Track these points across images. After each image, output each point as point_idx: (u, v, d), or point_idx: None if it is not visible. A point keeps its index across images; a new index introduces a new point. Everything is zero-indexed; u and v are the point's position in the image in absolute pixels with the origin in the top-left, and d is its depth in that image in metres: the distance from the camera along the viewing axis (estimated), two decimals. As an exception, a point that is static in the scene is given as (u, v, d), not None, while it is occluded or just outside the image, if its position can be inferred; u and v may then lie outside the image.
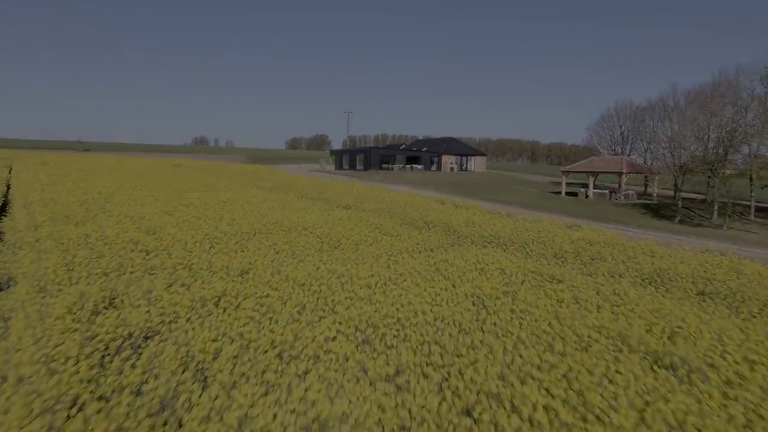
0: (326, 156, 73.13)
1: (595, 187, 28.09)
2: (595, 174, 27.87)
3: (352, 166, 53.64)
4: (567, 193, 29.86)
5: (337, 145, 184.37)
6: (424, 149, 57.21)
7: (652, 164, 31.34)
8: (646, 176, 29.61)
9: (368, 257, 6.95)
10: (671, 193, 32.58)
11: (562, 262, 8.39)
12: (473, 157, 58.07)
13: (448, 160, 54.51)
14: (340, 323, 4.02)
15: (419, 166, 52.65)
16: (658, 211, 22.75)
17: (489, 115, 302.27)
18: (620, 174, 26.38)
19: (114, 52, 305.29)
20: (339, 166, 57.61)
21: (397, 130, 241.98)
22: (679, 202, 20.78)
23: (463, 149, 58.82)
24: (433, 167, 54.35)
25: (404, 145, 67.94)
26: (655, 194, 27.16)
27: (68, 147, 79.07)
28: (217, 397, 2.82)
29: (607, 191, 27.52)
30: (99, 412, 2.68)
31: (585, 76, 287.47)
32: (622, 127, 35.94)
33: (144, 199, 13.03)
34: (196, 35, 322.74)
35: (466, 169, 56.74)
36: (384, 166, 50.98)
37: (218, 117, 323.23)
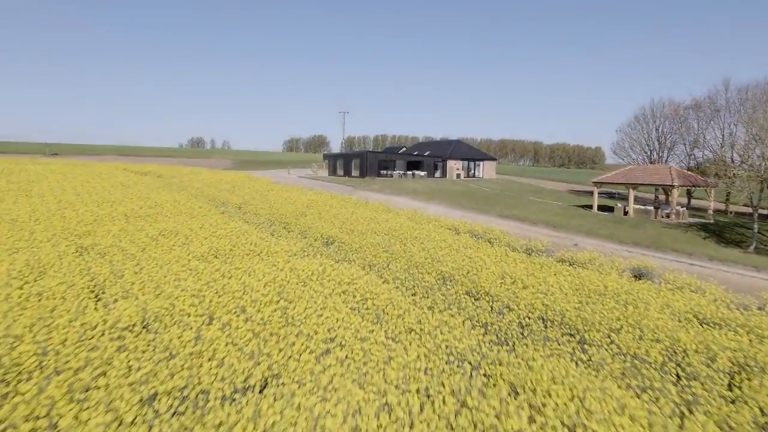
0: (319, 160, 69.73)
1: (634, 200, 24.58)
2: (635, 186, 24.33)
3: (347, 172, 50.11)
4: (599, 207, 26.36)
5: (336, 145, 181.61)
6: (426, 153, 53.69)
7: (697, 170, 27.89)
8: (688, 188, 26.13)
9: (338, 420, 3.44)
10: (721, 206, 29.12)
11: (699, 383, 4.85)
12: (482, 162, 54.60)
13: (455, 166, 51.02)
14: None
15: (422, 173, 49.12)
16: (722, 234, 19.23)
17: (490, 115, 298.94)
18: (670, 187, 22.81)
19: (111, 51, 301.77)
20: (333, 171, 54.08)
21: (397, 130, 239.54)
22: (756, 225, 17.23)
23: (470, 153, 55.38)
24: (437, 173, 50.86)
25: (404, 149, 64.37)
26: (711, 211, 23.59)
27: (36, 151, 75.60)
28: None
29: (651, 207, 23.98)
30: None
31: (587, 76, 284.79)
32: (659, 129, 32.40)
33: (34, 239, 9.49)
34: (194, 35, 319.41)
35: (474, 176, 53.27)
36: (382, 172, 47.48)
37: (216, 118, 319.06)
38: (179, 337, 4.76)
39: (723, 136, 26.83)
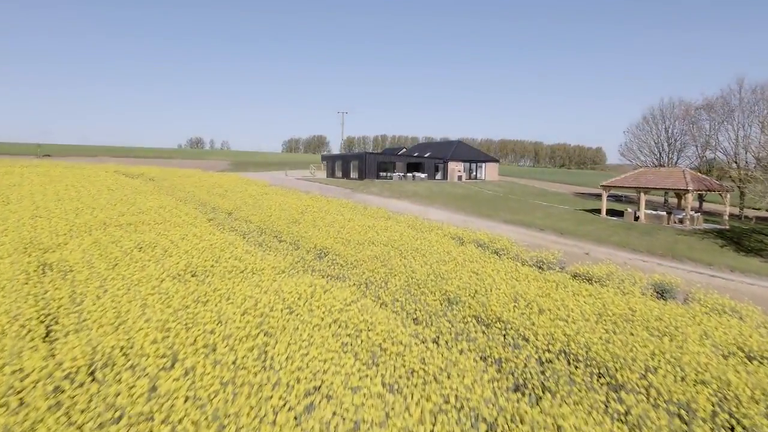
0: (318, 161, 68.91)
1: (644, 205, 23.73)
2: (646, 191, 23.48)
3: (346, 174, 49.31)
4: (607, 211, 25.53)
5: (335, 146, 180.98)
6: (426, 154, 52.91)
7: (708, 172, 27.07)
8: (701, 192, 25.28)
9: None
10: (735, 210, 28.25)
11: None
12: (484, 164, 53.78)
13: (456, 168, 50.20)
14: None
15: (422, 175, 48.31)
16: (740, 241, 18.41)
17: (490, 115, 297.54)
18: (684, 192, 21.96)
19: (110, 51, 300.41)
20: (331, 173, 53.31)
21: (397, 131, 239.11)
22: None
23: (472, 154, 54.56)
24: (438, 175, 50.04)
25: (404, 149, 63.53)
26: (726, 217, 22.74)
27: (30, 152, 74.76)
28: None
29: (663, 212, 23.12)
30: None
31: (587, 75, 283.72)
32: (669, 131, 31.57)
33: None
34: (195, 34, 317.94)
35: (475, 178, 52.47)
36: (382, 174, 46.67)
37: (216, 118, 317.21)
38: (130, 389, 3.94)
39: (737, 137, 26.08)
